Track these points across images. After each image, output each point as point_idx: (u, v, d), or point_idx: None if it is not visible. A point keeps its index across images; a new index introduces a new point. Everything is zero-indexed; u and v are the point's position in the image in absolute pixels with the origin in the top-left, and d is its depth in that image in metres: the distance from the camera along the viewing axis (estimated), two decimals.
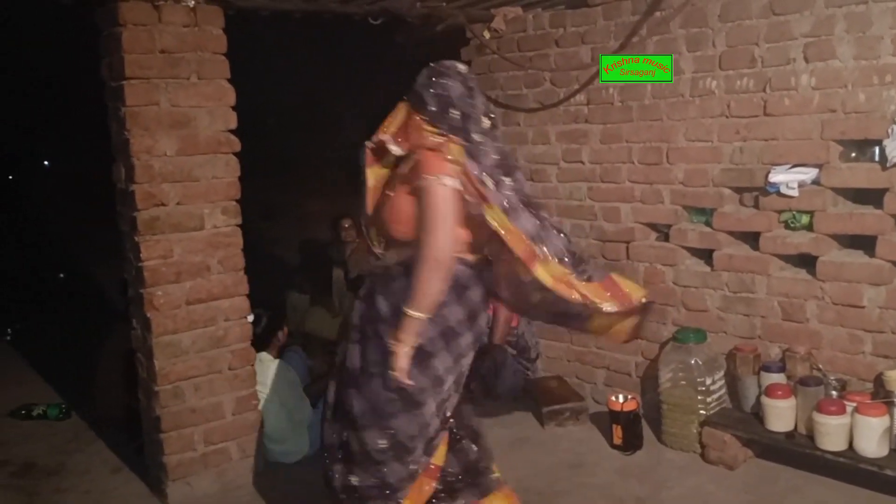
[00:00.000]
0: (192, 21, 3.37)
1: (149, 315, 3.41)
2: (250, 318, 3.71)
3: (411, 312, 2.46)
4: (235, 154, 3.58)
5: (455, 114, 2.54)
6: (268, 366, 3.85)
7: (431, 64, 2.64)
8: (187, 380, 3.52)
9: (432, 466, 2.74)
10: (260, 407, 3.76)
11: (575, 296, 2.52)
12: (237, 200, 3.60)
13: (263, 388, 3.80)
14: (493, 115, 2.66)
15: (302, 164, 7.40)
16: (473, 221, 2.54)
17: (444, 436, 2.78)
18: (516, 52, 4.51)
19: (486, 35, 4.52)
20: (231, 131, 3.55)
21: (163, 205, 3.39)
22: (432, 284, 2.46)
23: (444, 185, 2.44)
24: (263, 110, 6.09)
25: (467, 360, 2.70)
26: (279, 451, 3.85)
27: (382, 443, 2.58)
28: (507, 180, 2.58)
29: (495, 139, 2.64)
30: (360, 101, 6.93)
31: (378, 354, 2.57)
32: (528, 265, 2.50)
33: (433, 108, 2.54)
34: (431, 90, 2.56)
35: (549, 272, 2.52)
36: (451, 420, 2.80)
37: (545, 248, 2.55)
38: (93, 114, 3.89)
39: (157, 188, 3.37)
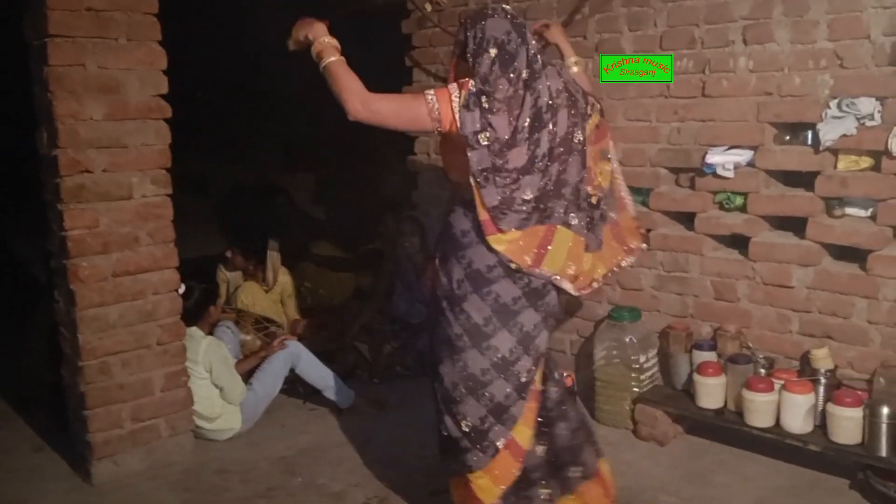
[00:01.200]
0: None
1: (73, 287, 3.27)
2: (182, 289, 3.60)
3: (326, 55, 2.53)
4: (167, 121, 3.44)
5: (486, 57, 2.50)
6: (199, 341, 3.75)
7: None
8: (114, 355, 3.39)
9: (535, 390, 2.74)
10: (189, 383, 3.66)
11: (525, 259, 2.55)
12: (167, 170, 3.48)
13: (194, 365, 3.70)
14: (537, 64, 2.55)
15: (238, 137, 7.24)
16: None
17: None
18: (457, 25, 4.44)
19: (428, 8, 4.46)
20: (162, 97, 3.41)
21: (89, 171, 3.24)
22: (339, 91, 2.49)
23: (425, 97, 2.52)
24: (197, 79, 5.91)
25: (526, 317, 2.63)
26: (210, 428, 3.77)
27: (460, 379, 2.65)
28: (538, 134, 2.52)
29: (533, 90, 2.53)
30: (302, 76, 6.81)
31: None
32: (486, 230, 2.55)
33: (469, 52, 2.54)
34: (469, 32, 2.56)
35: (505, 238, 2.55)
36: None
37: (506, 222, 2.53)
38: (11, 79, 3.70)
39: (83, 154, 3.22)
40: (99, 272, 3.31)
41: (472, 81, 2.51)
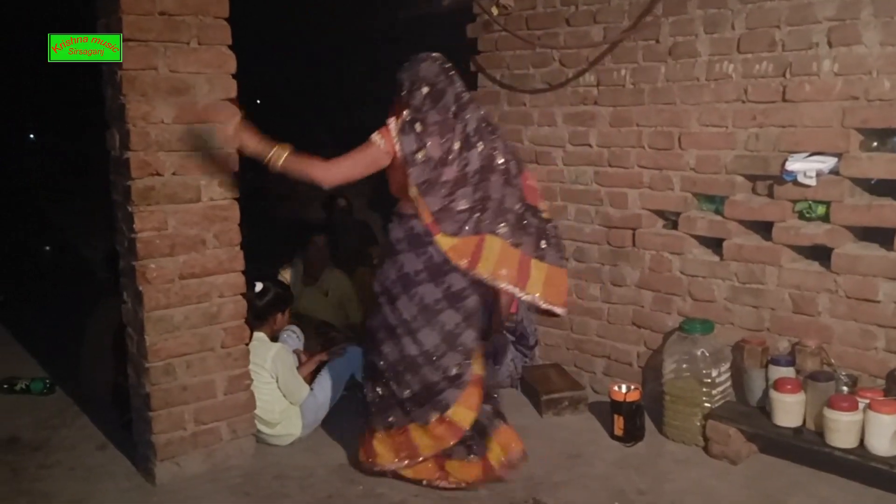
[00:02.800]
0: None
1: (141, 288, 3.28)
2: (259, 286, 3.61)
3: (275, 159, 3.06)
4: None
5: (419, 93, 3.08)
6: (268, 347, 3.74)
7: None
8: (179, 357, 3.40)
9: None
10: (252, 387, 3.65)
11: (463, 262, 3.06)
12: (235, 173, 3.48)
13: (259, 370, 3.68)
14: (462, 100, 3.14)
15: (298, 143, 7.29)
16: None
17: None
18: (525, 29, 4.39)
19: (495, 11, 4.40)
20: (230, 100, 3.41)
21: (158, 174, 3.26)
22: (304, 174, 3.10)
23: (371, 140, 3.13)
24: (265, 83, 5.95)
25: (447, 317, 3.15)
26: (270, 433, 3.75)
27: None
28: (466, 154, 3.10)
29: (461, 119, 3.12)
30: (365, 82, 6.80)
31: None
32: (432, 231, 3.08)
33: (405, 89, 3.12)
34: (405, 74, 3.13)
35: (449, 241, 3.07)
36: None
37: (445, 226, 3.07)
38: (79, 86, 3.74)
39: (154, 156, 3.24)
40: (166, 274, 3.32)
41: (405, 112, 3.10)
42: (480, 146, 3.12)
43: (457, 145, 3.08)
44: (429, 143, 3.06)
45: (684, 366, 3.67)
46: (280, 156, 3.03)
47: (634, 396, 3.72)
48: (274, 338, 3.92)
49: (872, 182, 3.31)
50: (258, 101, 7.01)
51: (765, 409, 3.42)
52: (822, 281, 3.41)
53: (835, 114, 3.27)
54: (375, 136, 3.11)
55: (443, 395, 3.18)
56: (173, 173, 3.29)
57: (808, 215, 3.42)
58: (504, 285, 3.09)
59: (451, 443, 3.24)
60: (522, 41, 4.33)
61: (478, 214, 3.07)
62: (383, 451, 3.33)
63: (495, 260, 3.06)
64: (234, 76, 3.41)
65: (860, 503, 3.12)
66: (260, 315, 3.75)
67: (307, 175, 3.08)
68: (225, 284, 3.50)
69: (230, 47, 3.39)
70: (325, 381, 3.92)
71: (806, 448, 3.28)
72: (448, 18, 4.86)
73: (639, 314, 4.10)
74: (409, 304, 3.14)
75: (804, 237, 3.44)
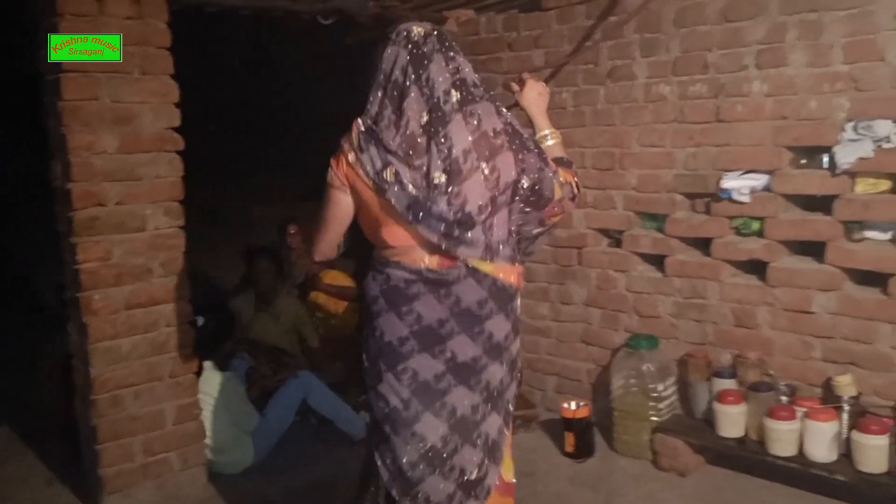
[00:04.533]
0: (135, 13, 3.25)
1: (86, 320, 3.25)
2: (200, 320, 3.59)
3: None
4: (179, 153, 3.45)
5: (378, 93, 2.16)
6: (216, 376, 3.72)
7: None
8: (127, 387, 3.37)
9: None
10: (202, 417, 3.62)
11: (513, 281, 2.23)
12: (181, 201, 3.48)
13: (209, 398, 3.66)
14: (447, 104, 2.10)
15: (249, 169, 7.26)
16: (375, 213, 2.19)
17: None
18: (469, 55, 4.41)
19: (454, 26, 4.46)
20: (175, 129, 3.42)
21: (102, 205, 3.24)
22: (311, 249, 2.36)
23: (327, 182, 2.23)
24: (210, 111, 5.94)
25: (456, 397, 2.22)
26: (222, 461, 3.73)
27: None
28: (457, 188, 2.10)
29: (439, 137, 2.10)
30: (314, 106, 6.82)
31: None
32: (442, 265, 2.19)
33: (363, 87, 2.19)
34: (369, 61, 2.20)
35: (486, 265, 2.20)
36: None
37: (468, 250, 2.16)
38: (29, 111, 3.72)
39: (97, 187, 3.22)
40: (112, 304, 3.30)
41: (359, 120, 2.15)
42: (499, 167, 2.12)
43: (439, 178, 2.08)
44: (398, 168, 2.10)
45: (632, 381, 3.73)
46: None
47: (584, 413, 3.78)
48: (224, 365, 3.90)
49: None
50: (210, 128, 6.99)
51: (710, 420, 3.50)
52: (760, 294, 3.51)
53: (766, 133, 3.39)
54: (329, 171, 2.19)
55: None
56: (117, 203, 3.28)
57: (744, 231, 3.53)
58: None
59: None
60: None
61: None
62: None
63: None
64: (177, 105, 3.42)
65: None
66: (207, 347, 3.73)
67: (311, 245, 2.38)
68: (173, 313, 3.48)
69: (173, 77, 3.39)
70: (276, 407, 3.91)
71: (750, 458, 3.36)
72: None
73: (587, 332, 4.16)
74: (397, 385, 2.18)
75: (742, 252, 3.55)
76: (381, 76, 2.15)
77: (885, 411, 3.10)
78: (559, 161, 2.33)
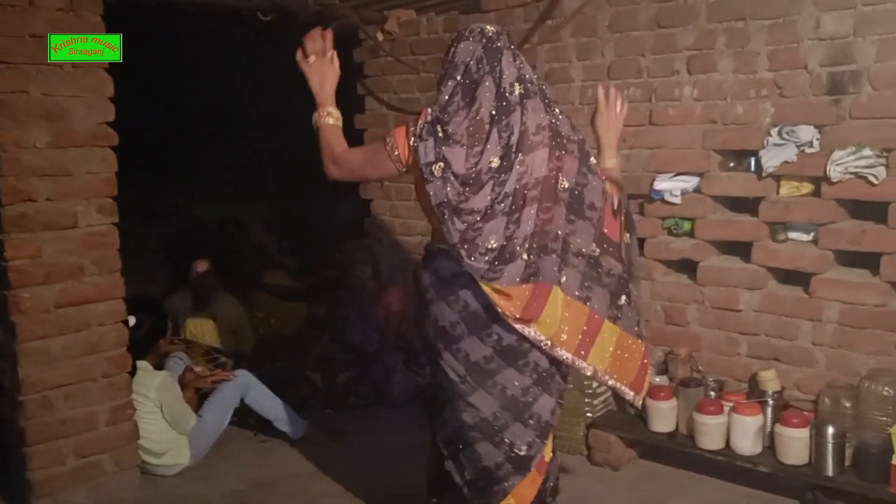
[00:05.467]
0: (66, 5, 3.17)
1: (14, 319, 3.16)
2: (132, 321, 3.52)
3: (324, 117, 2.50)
4: (113, 149, 3.38)
5: (451, 84, 2.35)
6: (152, 377, 3.66)
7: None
8: (57, 388, 3.28)
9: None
10: (137, 418, 3.57)
11: (513, 313, 2.32)
12: (114, 198, 3.41)
13: (143, 399, 3.60)
14: (512, 95, 2.29)
15: (189, 167, 7.14)
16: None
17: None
18: (409, 55, 4.49)
19: (380, 37, 4.49)
20: (109, 124, 3.36)
21: (31, 200, 3.16)
22: (323, 149, 2.48)
23: (384, 139, 2.41)
24: (149, 108, 5.83)
25: (506, 378, 2.41)
26: (157, 463, 3.67)
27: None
28: (506, 175, 2.26)
29: (502, 124, 2.28)
30: (257, 106, 6.75)
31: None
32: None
33: (440, 77, 2.41)
34: (446, 55, 2.41)
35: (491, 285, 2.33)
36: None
37: (468, 249, 2.28)
38: None
39: (26, 182, 3.14)
40: (41, 303, 3.22)
41: (429, 109, 2.34)
42: (528, 164, 2.28)
43: (493, 161, 2.26)
44: (449, 156, 2.27)
45: (568, 378, 3.80)
46: (327, 119, 2.49)
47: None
48: (159, 365, 3.84)
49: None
50: (148, 124, 6.85)
51: (642, 416, 3.59)
52: (690, 293, 3.62)
53: (696, 136, 3.50)
54: (389, 138, 2.38)
55: (504, 484, 2.46)
56: (48, 199, 3.20)
57: (675, 231, 3.64)
58: (563, 354, 2.37)
59: None
60: (408, 66, 4.43)
61: (534, 257, 2.30)
62: None
63: (558, 318, 2.34)
64: (111, 100, 3.36)
65: (731, 501, 3.30)
66: (141, 347, 3.67)
67: (324, 153, 2.48)
68: (106, 312, 3.41)
69: (107, 70, 3.33)
70: (213, 408, 3.86)
71: (681, 451, 3.45)
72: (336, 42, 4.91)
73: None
74: (454, 362, 2.41)
75: (673, 252, 3.65)
76: (456, 68, 2.35)
77: (805, 405, 3.23)
78: (612, 179, 2.52)
